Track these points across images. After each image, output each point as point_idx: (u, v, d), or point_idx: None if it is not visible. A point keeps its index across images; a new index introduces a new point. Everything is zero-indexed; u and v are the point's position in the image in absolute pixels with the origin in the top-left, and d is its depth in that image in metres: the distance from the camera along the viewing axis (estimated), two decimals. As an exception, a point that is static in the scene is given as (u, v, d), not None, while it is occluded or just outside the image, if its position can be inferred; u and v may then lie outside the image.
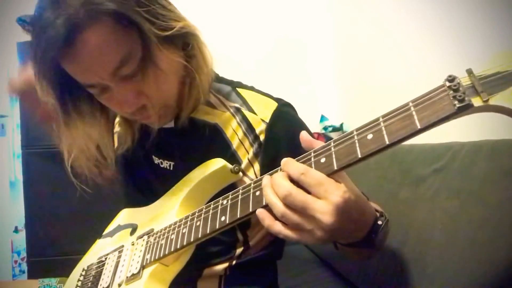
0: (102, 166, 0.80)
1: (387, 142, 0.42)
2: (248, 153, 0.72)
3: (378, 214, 0.55)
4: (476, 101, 0.38)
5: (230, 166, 0.69)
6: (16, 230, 2.28)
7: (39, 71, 0.61)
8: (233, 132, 0.73)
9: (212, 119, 0.75)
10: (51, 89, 0.64)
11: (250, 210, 0.53)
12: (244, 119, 0.73)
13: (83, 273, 0.82)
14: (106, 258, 0.79)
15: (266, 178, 0.51)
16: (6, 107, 2.30)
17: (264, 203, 0.51)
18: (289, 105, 0.77)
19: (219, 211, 0.59)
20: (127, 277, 0.68)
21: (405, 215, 0.88)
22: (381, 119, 0.44)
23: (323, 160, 0.48)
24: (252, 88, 0.79)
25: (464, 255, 0.69)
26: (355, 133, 0.46)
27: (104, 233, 0.88)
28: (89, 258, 0.85)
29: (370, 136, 0.44)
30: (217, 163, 0.70)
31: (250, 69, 1.95)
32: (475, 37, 0.96)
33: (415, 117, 0.41)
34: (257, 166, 0.72)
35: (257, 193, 0.53)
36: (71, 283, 0.82)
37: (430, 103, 0.41)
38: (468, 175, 0.76)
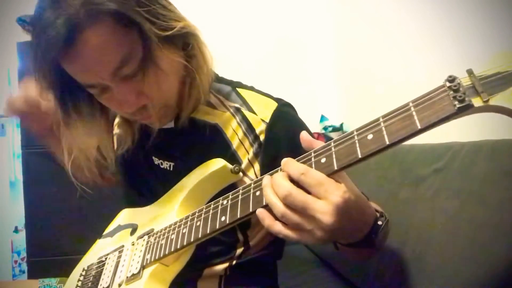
0: (102, 166, 0.80)
1: (387, 142, 0.42)
2: (248, 153, 0.72)
3: (378, 214, 0.55)
4: (476, 102, 0.38)
5: (230, 166, 0.69)
6: (16, 230, 2.28)
7: (39, 72, 0.61)
8: (233, 132, 0.73)
9: (212, 119, 0.75)
10: (51, 89, 0.64)
11: (250, 210, 0.53)
12: (244, 119, 0.73)
13: (83, 273, 0.82)
14: (106, 258, 0.79)
15: (266, 178, 0.51)
16: (6, 107, 2.29)
17: (264, 203, 0.51)
18: (289, 105, 0.77)
19: (219, 211, 0.59)
20: (127, 277, 0.68)
21: (405, 215, 0.88)
22: (381, 119, 0.44)
23: (323, 160, 0.48)
24: (252, 88, 0.79)
25: (464, 255, 0.69)
26: (355, 133, 0.46)
27: (104, 233, 0.88)
28: (89, 258, 0.85)
29: (370, 136, 0.44)
30: (217, 163, 0.70)
31: (250, 69, 1.95)
32: (475, 37, 0.96)
33: (415, 117, 0.41)
34: (257, 166, 0.72)
35: (257, 193, 0.53)
36: (71, 283, 0.82)
37: (430, 103, 0.41)
38: (468, 175, 0.76)
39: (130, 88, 0.62)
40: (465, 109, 0.38)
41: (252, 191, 0.55)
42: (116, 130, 0.86)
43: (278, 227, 0.48)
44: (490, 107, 0.38)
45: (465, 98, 0.38)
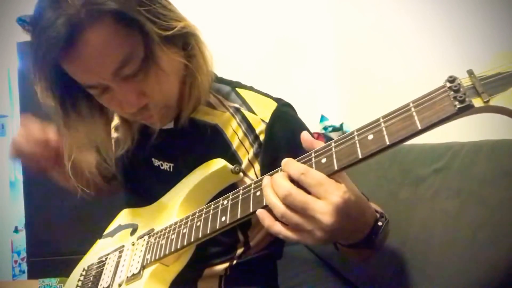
0: (101, 167, 0.80)
1: (388, 143, 0.42)
2: (248, 153, 0.72)
3: (378, 215, 0.55)
4: (477, 102, 0.38)
5: (230, 166, 0.69)
6: (16, 230, 2.28)
7: (40, 72, 0.61)
8: (233, 132, 0.73)
9: (212, 120, 0.75)
10: (51, 90, 0.64)
11: (251, 211, 0.53)
12: (244, 119, 0.73)
13: (84, 273, 0.82)
14: (106, 258, 0.79)
15: (266, 178, 0.51)
16: (6, 107, 2.30)
17: (264, 204, 0.51)
18: (288, 105, 0.77)
19: (219, 211, 0.59)
20: (127, 277, 0.68)
21: (405, 215, 0.88)
22: (381, 120, 0.44)
23: (323, 160, 0.48)
24: (251, 88, 0.79)
25: (464, 255, 0.69)
26: (355, 133, 0.46)
27: (104, 233, 0.88)
28: (90, 258, 0.85)
29: (370, 137, 0.44)
30: (217, 164, 0.70)
31: (250, 69, 1.95)
32: (475, 38, 0.96)
33: (416, 117, 0.41)
34: (257, 166, 0.72)
35: (258, 193, 0.53)
36: (71, 283, 0.82)
37: (431, 103, 0.41)
38: (468, 175, 0.76)
39: (131, 88, 0.62)
40: (466, 109, 0.38)
41: (252, 191, 0.55)
42: (113, 134, 0.85)
43: (278, 228, 0.48)
44: (490, 108, 0.38)
45: (466, 99, 0.38)
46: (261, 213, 0.50)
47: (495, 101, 0.37)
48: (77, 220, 1.61)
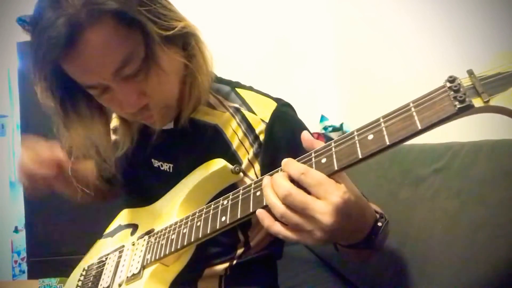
0: (101, 167, 0.80)
1: (388, 143, 0.42)
2: (248, 153, 0.72)
3: (378, 216, 0.54)
4: (477, 102, 0.38)
5: (230, 166, 0.69)
6: (16, 230, 2.28)
7: (40, 72, 0.61)
8: (233, 132, 0.73)
9: (212, 120, 0.75)
10: (51, 90, 0.64)
11: (251, 211, 0.53)
12: (244, 119, 0.73)
13: (84, 273, 0.82)
14: (106, 258, 0.79)
15: (266, 178, 0.51)
16: (6, 107, 2.30)
17: (264, 203, 0.51)
18: (288, 105, 0.77)
19: (219, 211, 0.59)
20: (127, 277, 0.68)
21: (405, 215, 0.88)
22: (381, 120, 0.44)
23: (323, 160, 0.48)
24: (250, 88, 0.79)
25: (464, 255, 0.69)
26: (355, 133, 0.46)
27: (104, 233, 0.88)
28: (90, 258, 0.85)
29: (370, 137, 0.44)
30: (217, 164, 0.70)
31: (250, 69, 1.95)
32: (475, 37, 0.96)
33: (416, 117, 0.41)
34: (257, 166, 0.72)
35: (258, 193, 0.53)
36: (71, 283, 0.82)
37: (431, 103, 0.41)
38: (468, 175, 0.76)
39: (132, 88, 0.62)
40: (466, 109, 0.38)
41: (252, 191, 0.55)
42: (112, 136, 0.84)
43: (277, 228, 0.48)
44: (490, 108, 0.38)
45: (466, 99, 0.38)
46: (261, 213, 0.50)
47: (495, 101, 0.37)
48: (77, 220, 1.61)
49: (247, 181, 0.71)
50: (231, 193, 0.59)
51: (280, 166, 0.51)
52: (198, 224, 0.62)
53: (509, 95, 0.36)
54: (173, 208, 0.72)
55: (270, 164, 0.69)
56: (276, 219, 0.48)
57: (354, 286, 1.06)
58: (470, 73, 0.40)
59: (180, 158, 0.77)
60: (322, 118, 1.94)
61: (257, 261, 0.78)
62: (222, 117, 0.74)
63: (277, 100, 0.75)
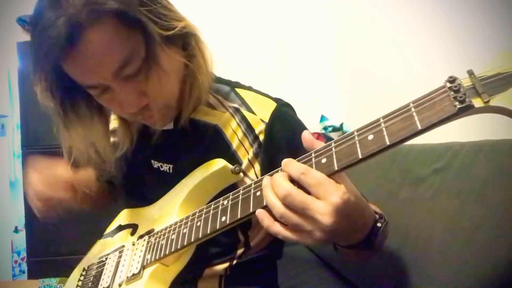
0: (101, 168, 0.80)
1: (388, 143, 0.42)
2: (248, 153, 0.72)
3: (377, 216, 0.54)
4: (477, 102, 0.38)
5: (230, 166, 0.69)
6: (16, 230, 2.28)
7: (40, 73, 0.60)
8: (233, 132, 0.73)
9: (211, 120, 0.75)
10: (51, 90, 0.63)
11: (251, 211, 0.53)
12: (244, 119, 0.73)
13: (84, 273, 0.82)
14: (106, 258, 0.79)
15: (266, 178, 0.51)
16: (6, 107, 2.30)
17: (264, 204, 0.51)
18: (288, 105, 0.77)
19: (219, 211, 0.59)
20: (127, 277, 0.68)
21: (405, 215, 0.88)
22: (381, 120, 0.44)
23: (324, 160, 0.48)
24: (250, 88, 0.79)
25: (464, 255, 0.69)
26: (355, 133, 0.46)
27: (104, 233, 0.88)
28: (90, 258, 0.85)
29: (371, 137, 0.44)
30: (218, 164, 0.70)
31: (250, 69, 1.95)
32: (476, 38, 0.96)
33: (416, 117, 0.41)
34: (257, 166, 0.72)
35: (258, 193, 0.53)
36: (71, 283, 0.82)
37: (431, 104, 0.41)
38: (468, 175, 0.76)
39: (132, 88, 0.62)
40: (466, 109, 0.38)
41: (252, 191, 0.55)
42: (111, 138, 0.84)
43: (277, 228, 0.48)
44: (490, 108, 0.38)
45: (466, 99, 0.38)
46: (261, 213, 0.50)
47: (495, 101, 0.37)
48: (77, 220, 1.61)
49: (247, 181, 0.71)
50: (231, 193, 0.59)
51: (280, 166, 0.51)
52: (198, 224, 0.62)
53: (509, 96, 0.36)
54: (173, 208, 0.72)
55: (269, 164, 0.69)
56: (276, 219, 0.48)
57: (354, 286, 1.06)
58: (470, 73, 0.40)
59: (180, 158, 0.77)
60: (322, 118, 1.94)
61: (257, 261, 0.78)
62: (222, 117, 0.74)
63: (276, 100, 0.75)
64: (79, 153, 0.72)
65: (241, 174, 0.71)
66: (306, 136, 0.52)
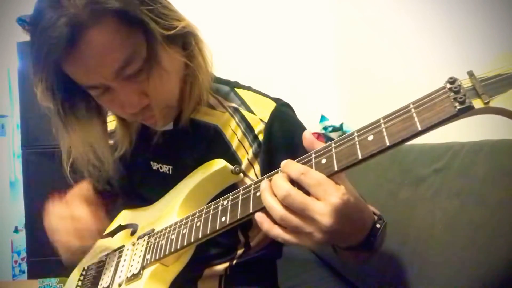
0: (100, 169, 0.79)
1: (388, 144, 0.42)
2: (248, 154, 0.72)
3: (376, 217, 0.54)
4: (477, 103, 0.38)
5: (231, 167, 0.69)
6: (16, 230, 2.28)
7: (41, 73, 0.60)
8: (232, 132, 0.73)
9: (211, 120, 0.75)
10: (52, 91, 0.63)
11: (251, 211, 0.53)
12: (243, 119, 0.73)
13: (83, 273, 0.82)
14: (106, 258, 0.79)
15: (264, 182, 0.50)
16: (6, 107, 2.30)
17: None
18: (287, 105, 0.77)
19: (219, 211, 0.59)
20: (127, 277, 0.68)
21: (405, 215, 0.88)
22: (381, 121, 0.44)
23: (323, 161, 0.48)
24: (249, 88, 0.79)
25: (464, 255, 0.69)
26: (355, 134, 0.46)
27: (104, 233, 0.88)
28: (90, 258, 0.85)
29: (370, 138, 0.44)
30: (218, 164, 0.70)
31: (250, 69, 1.95)
32: (476, 38, 0.96)
33: (416, 118, 0.41)
34: (257, 166, 0.72)
35: (258, 193, 0.53)
36: (71, 283, 0.82)
37: (431, 104, 0.41)
38: (468, 175, 0.76)
39: (133, 88, 0.62)
40: (466, 110, 0.38)
41: (252, 191, 0.54)
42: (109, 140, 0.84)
43: (277, 231, 0.48)
44: (490, 109, 0.38)
45: (466, 100, 0.38)
46: (260, 216, 0.49)
47: (495, 102, 0.37)
48: (77, 220, 1.61)
49: (247, 181, 0.71)
50: (231, 194, 0.59)
51: (279, 166, 0.51)
52: (198, 224, 0.62)
53: (509, 97, 0.36)
54: (173, 208, 0.72)
55: (269, 164, 0.69)
56: (275, 222, 0.48)
57: (354, 286, 1.06)
58: (471, 74, 0.40)
59: (180, 159, 0.76)
60: (322, 118, 1.94)
61: (257, 261, 0.78)
62: (221, 118, 0.74)
63: (276, 100, 0.75)
64: (78, 155, 0.72)
65: (241, 174, 0.71)
66: (307, 136, 0.52)
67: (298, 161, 0.50)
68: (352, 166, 0.45)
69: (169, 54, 0.63)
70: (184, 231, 0.64)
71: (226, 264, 0.75)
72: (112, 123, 0.83)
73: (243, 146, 0.72)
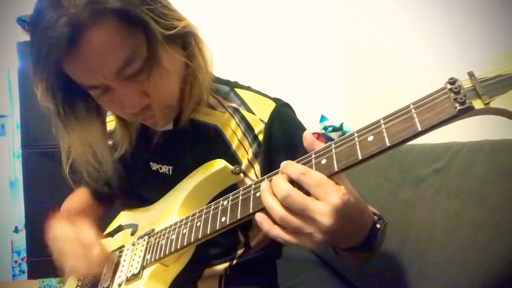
0: (100, 169, 0.79)
1: (388, 144, 0.42)
2: (248, 154, 0.72)
3: (376, 218, 0.54)
4: (477, 104, 0.38)
5: (231, 167, 0.69)
6: (16, 230, 2.28)
7: (41, 73, 0.60)
8: (232, 132, 0.73)
9: (211, 120, 0.74)
10: (52, 91, 0.63)
11: (251, 211, 0.53)
12: (243, 119, 0.73)
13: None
14: (106, 259, 0.79)
15: (264, 182, 0.50)
16: (6, 107, 2.30)
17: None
18: (287, 105, 0.77)
19: (219, 211, 0.59)
20: (127, 277, 0.68)
21: (405, 215, 0.88)
22: (382, 121, 0.44)
23: (323, 161, 0.48)
24: (249, 88, 0.79)
25: (464, 255, 0.70)
26: (356, 134, 0.46)
27: (104, 233, 0.88)
28: (90, 258, 0.85)
29: (371, 138, 0.44)
30: (218, 164, 0.70)
31: (250, 69, 1.95)
32: (476, 38, 0.96)
33: (416, 119, 0.41)
34: (257, 166, 0.72)
35: (258, 194, 0.53)
36: (71, 283, 0.82)
37: (431, 105, 0.41)
38: (468, 175, 0.76)
39: (134, 88, 0.62)
40: (466, 111, 0.38)
41: (252, 192, 0.54)
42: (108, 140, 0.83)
43: (277, 231, 0.48)
44: (490, 110, 0.38)
45: (466, 101, 0.38)
46: (260, 217, 0.49)
47: (496, 103, 0.37)
48: (77, 220, 1.61)
49: (248, 181, 0.71)
50: (231, 194, 0.59)
51: (279, 166, 0.50)
52: (198, 224, 0.62)
53: (509, 97, 0.36)
54: (174, 209, 0.72)
55: (269, 164, 0.69)
56: (275, 222, 0.48)
57: (354, 286, 1.07)
58: (471, 75, 0.40)
59: (180, 159, 0.76)
60: (322, 118, 1.94)
61: (257, 261, 0.78)
62: (221, 118, 0.74)
63: (276, 100, 0.75)
64: (77, 155, 0.72)
65: (241, 174, 0.71)
66: (307, 136, 0.51)
67: (298, 162, 0.50)
68: (352, 167, 0.45)
69: (169, 54, 0.63)
70: (184, 231, 0.64)
71: (226, 264, 0.75)
72: (111, 123, 0.83)
73: (243, 146, 0.72)
